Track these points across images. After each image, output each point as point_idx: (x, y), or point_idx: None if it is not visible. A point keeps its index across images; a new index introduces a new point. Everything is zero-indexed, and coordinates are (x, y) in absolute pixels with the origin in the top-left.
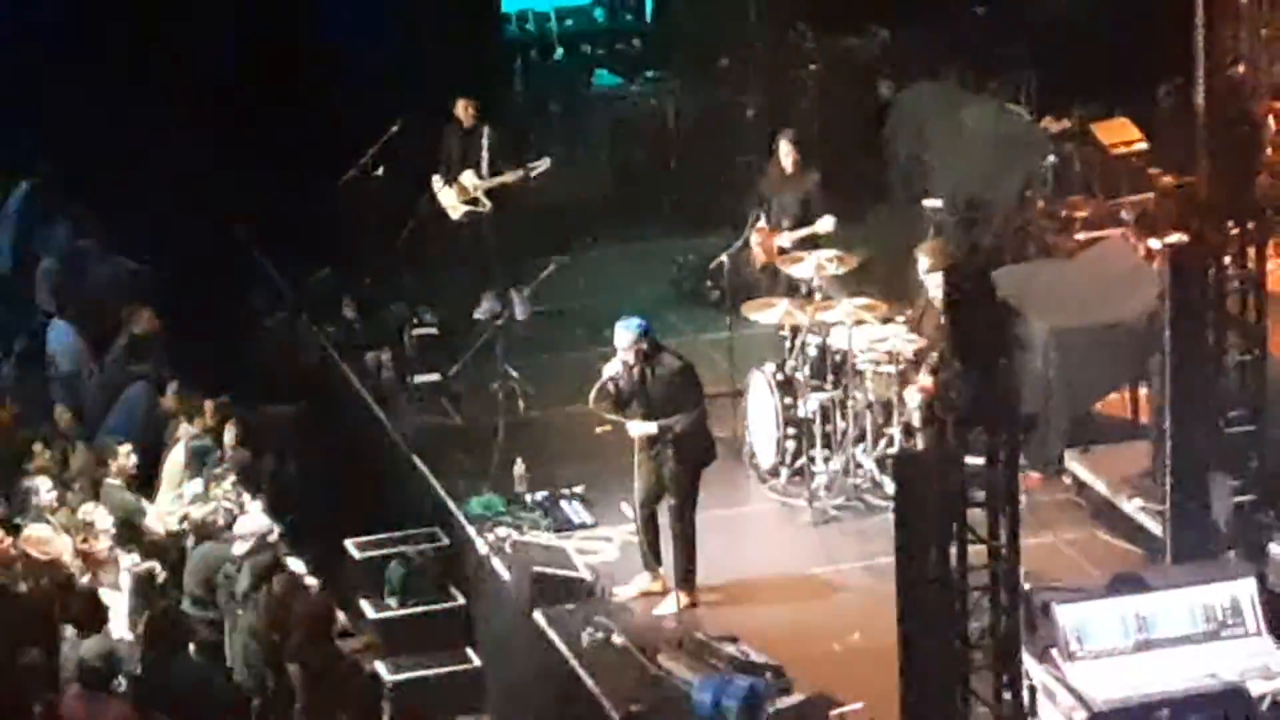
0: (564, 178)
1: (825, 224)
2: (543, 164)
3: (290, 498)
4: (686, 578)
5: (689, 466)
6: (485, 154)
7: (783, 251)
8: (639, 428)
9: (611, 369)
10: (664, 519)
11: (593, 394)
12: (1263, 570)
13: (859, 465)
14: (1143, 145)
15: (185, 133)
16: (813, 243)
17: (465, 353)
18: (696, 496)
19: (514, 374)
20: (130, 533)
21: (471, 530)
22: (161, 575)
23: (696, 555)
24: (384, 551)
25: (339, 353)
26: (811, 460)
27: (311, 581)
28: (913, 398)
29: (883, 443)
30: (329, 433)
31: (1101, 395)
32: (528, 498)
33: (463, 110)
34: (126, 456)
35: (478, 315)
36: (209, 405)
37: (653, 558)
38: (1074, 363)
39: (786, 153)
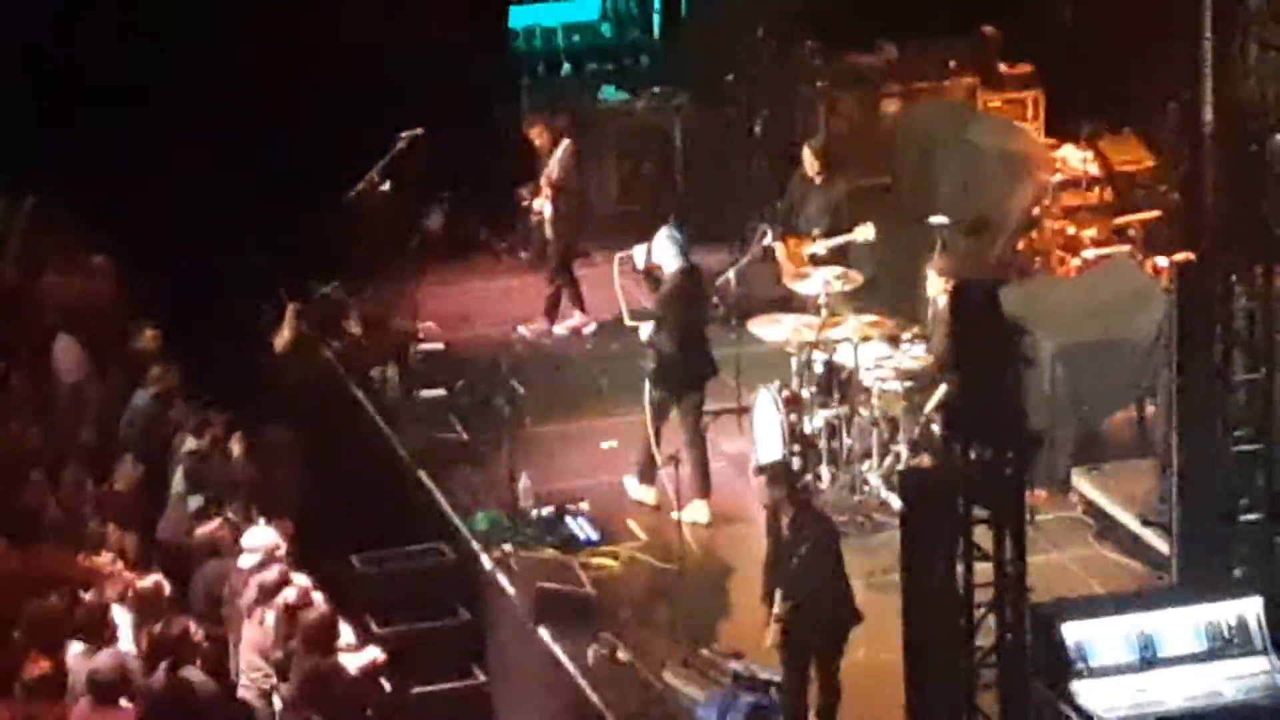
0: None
1: (865, 231)
2: None
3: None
4: (702, 487)
5: (667, 389)
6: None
7: (814, 259)
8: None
9: (638, 252)
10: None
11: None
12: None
13: (865, 482)
14: (1150, 163)
15: (191, 147)
16: (843, 250)
17: (471, 368)
18: (694, 414)
19: (519, 389)
20: (137, 547)
21: (477, 545)
22: (167, 589)
23: (707, 464)
24: (389, 567)
25: (344, 367)
26: (817, 477)
27: (317, 597)
28: None
29: (889, 459)
30: (334, 447)
31: (1108, 413)
32: (533, 513)
33: (535, 133)
34: (132, 470)
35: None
36: (216, 419)
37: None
38: (1081, 380)
39: (811, 162)
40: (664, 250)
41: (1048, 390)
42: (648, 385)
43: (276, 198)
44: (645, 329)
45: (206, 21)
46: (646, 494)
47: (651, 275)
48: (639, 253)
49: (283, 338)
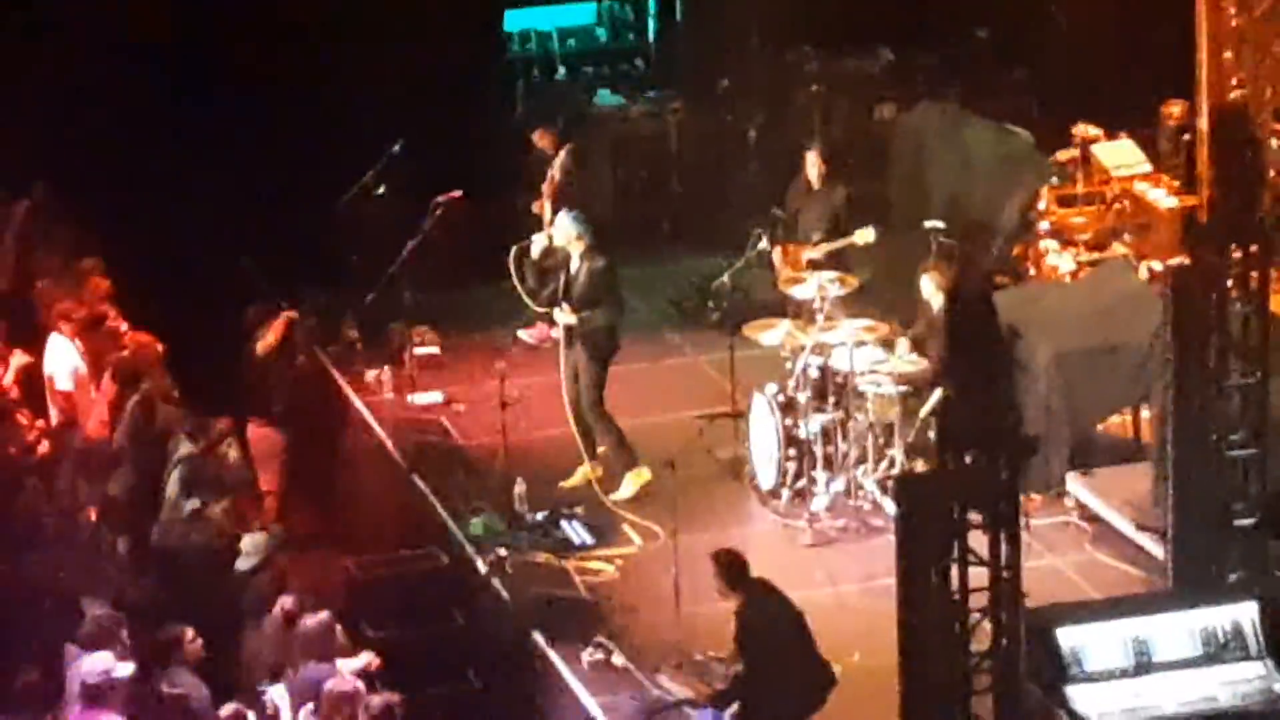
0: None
1: (866, 234)
2: None
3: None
4: (619, 454)
5: (599, 360)
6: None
7: (813, 264)
8: (563, 317)
9: (537, 241)
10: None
11: (512, 255)
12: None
13: (860, 487)
14: (1146, 167)
15: (186, 152)
16: (841, 255)
17: (466, 373)
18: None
19: (515, 393)
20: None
21: (471, 550)
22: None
23: (620, 432)
24: (384, 571)
25: (339, 372)
26: (813, 481)
27: (313, 603)
28: None
29: (884, 464)
30: (328, 452)
31: (1103, 418)
32: (528, 518)
33: (537, 136)
34: (127, 474)
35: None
36: (211, 423)
37: (586, 447)
38: (1075, 385)
39: (814, 165)
40: (566, 234)
41: (1042, 395)
42: (591, 369)
43: (272, 203)
44: (561, 316)
45: (199, 28)
46: (636, 481)
47: (543, 264)
48: (536, 242)
49: (265, 341)
